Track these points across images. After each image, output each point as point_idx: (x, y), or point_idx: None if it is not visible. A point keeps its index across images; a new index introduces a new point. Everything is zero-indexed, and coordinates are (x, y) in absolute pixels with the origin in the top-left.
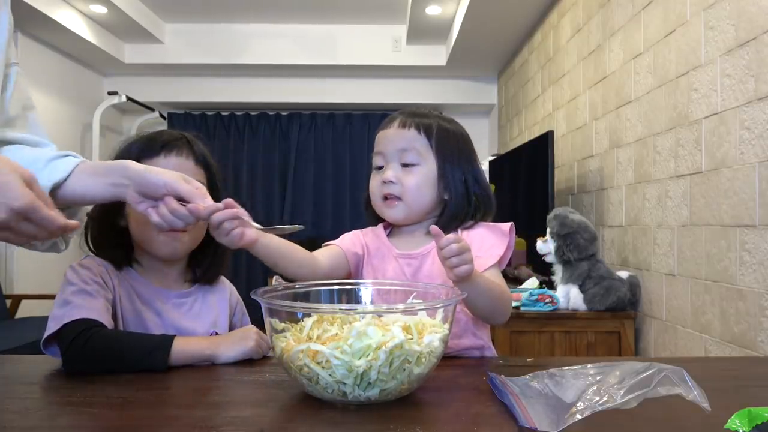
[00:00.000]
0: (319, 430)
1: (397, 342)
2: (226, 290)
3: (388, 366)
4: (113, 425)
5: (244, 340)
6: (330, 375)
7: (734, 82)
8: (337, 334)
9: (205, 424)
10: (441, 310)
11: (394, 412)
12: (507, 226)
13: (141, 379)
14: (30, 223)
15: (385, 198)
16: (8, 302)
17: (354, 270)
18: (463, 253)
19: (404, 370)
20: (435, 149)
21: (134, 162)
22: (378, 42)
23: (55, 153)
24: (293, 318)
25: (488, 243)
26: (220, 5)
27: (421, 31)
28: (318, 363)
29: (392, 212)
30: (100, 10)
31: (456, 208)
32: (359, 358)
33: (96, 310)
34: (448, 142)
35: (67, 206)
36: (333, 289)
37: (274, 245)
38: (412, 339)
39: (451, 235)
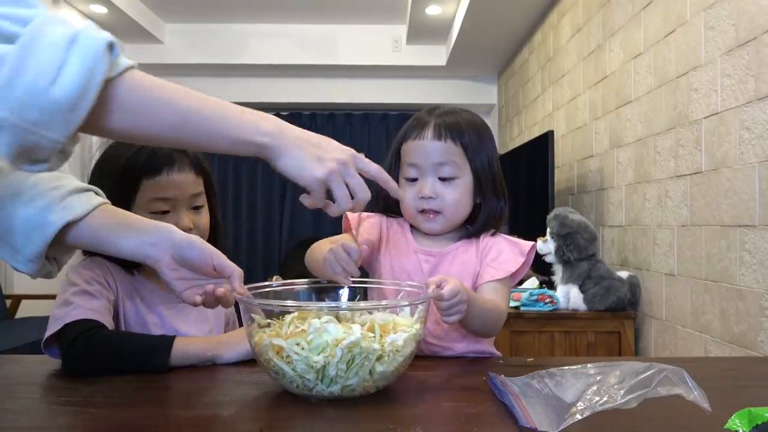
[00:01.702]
0: (319, 430)
1: (354, 339)
2: None
3: (346, 363)
4: (113, 425)
5: (245, 341)
6: (293, 370)
7: (734, 82)
8: (303, 330)
9: (205, 424)
10: (416, 309)
11: (394, 411)
12: (527, 246)
13: (141, 379)
14: (353, 178)
15: (422, 211)
16: (8, 302)
17: (368, 257)
18: (450, 309)
19: (364, 367)
20: (470, 158)
21: (175, 227)
22: (378, 42)
23: (77, 185)
24: (274, 316)
25: (503, 257)
26: (220, 5)
27: (421, 31)
28: (282, 358)
29: (431, 225)
30: (100, 10)
31: (491, 211)
32: (318, 354)
33: (97, 311)
34: (481, 146)
35: (68, 251)
36: (312, 288)
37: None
38: (373, 337)
39: (449, 289)
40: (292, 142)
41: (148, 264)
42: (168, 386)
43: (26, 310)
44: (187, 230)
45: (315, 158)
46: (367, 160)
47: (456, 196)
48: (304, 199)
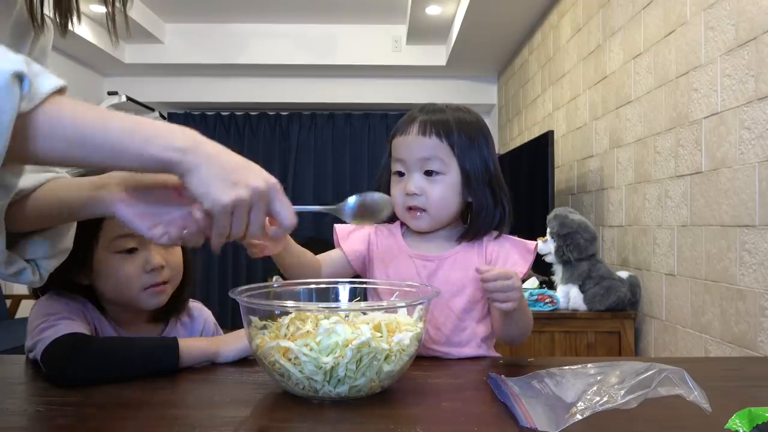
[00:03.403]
0: (319, 430)
1: (364, 339)
2: (199, 325)
3: (356, 363)
4: (113, 425)
5: (244, 339)
6: (300, 371)
7: (734, 82)
8: (309, 331)
9: (205, 424)
10: (417, 308)
11: (394, 411)
12: (532, 244)
13: (140, 379)
14: (258, 212)
15: (409, 208)
16: (8, 302)
17: (360, 268)
18: (508, 291)
19: (372, 367)
20: (457, 154)
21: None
22: (378, 42)
23: (38, 167)
24: (272, 317)
25: (512, 259)
26: (220, 5)
27: (421, 31)
28: (288, 359)
29: (417, 223)
30: (101, 10)
31: (484, 214)
32: (327, 355)
33: (82, 332)
34: (470, 143)
35: (37, 230)
36: (311, 288)
37: (289, 260)
38: (381, 337)
39: (498, 271)
40: (204, 160)
41: (102, 212)
42: (168, 386)
43: (26, 310)
44: (159, 268)
45: (227, 181)
46: (286, 201)
47: (441, 193)
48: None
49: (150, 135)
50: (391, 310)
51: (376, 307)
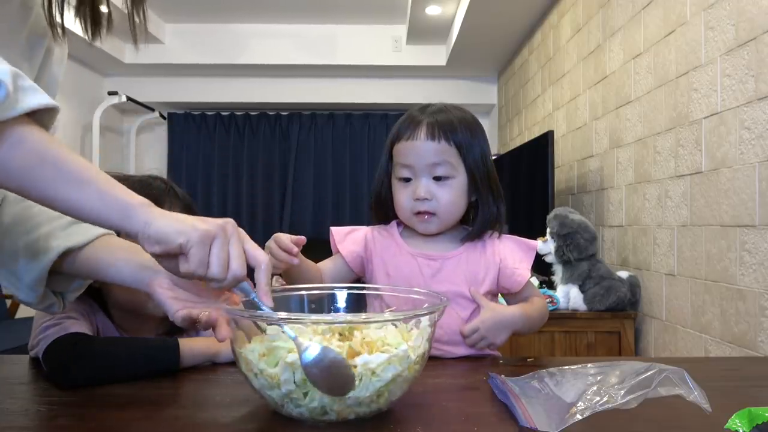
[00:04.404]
0: (319, 430)
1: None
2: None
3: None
4: (113, 425)
5: None
6: (259, 383)
7: (734, 82)
8: (261, 339)
9: (205, 424)
10: (413, 325)
11: (394, 411)
12: (533, 242)
13: (141, 379)
14: (235, 245)
15: (417, 213)
16: (8, 302)
17: (359, 269)
18: (481, 341)
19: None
20: (464, 155)
21: None
22: (378, 42)
23: None
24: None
25: (518, 256)
26: (220, 5)
27: (421, 31)
28: (250, 370)
29: (426, 226)
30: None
31: (488, 209)
32: (274, 367)
33: (85, 333)
34: (474, 143)
35: (78, 278)
36: (302, 295)
37: (295, 271)
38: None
39: (466, 331)
40: (162, 212)
41: (143, 289)
42: (168, 387)
43: (26, 310)
44: None
45: (197, 219)
46: (240, 247)
47: (451, 197)
48: (183, 264)
49: (115, 183)
50: (385, 324)
51: (359, 320)
